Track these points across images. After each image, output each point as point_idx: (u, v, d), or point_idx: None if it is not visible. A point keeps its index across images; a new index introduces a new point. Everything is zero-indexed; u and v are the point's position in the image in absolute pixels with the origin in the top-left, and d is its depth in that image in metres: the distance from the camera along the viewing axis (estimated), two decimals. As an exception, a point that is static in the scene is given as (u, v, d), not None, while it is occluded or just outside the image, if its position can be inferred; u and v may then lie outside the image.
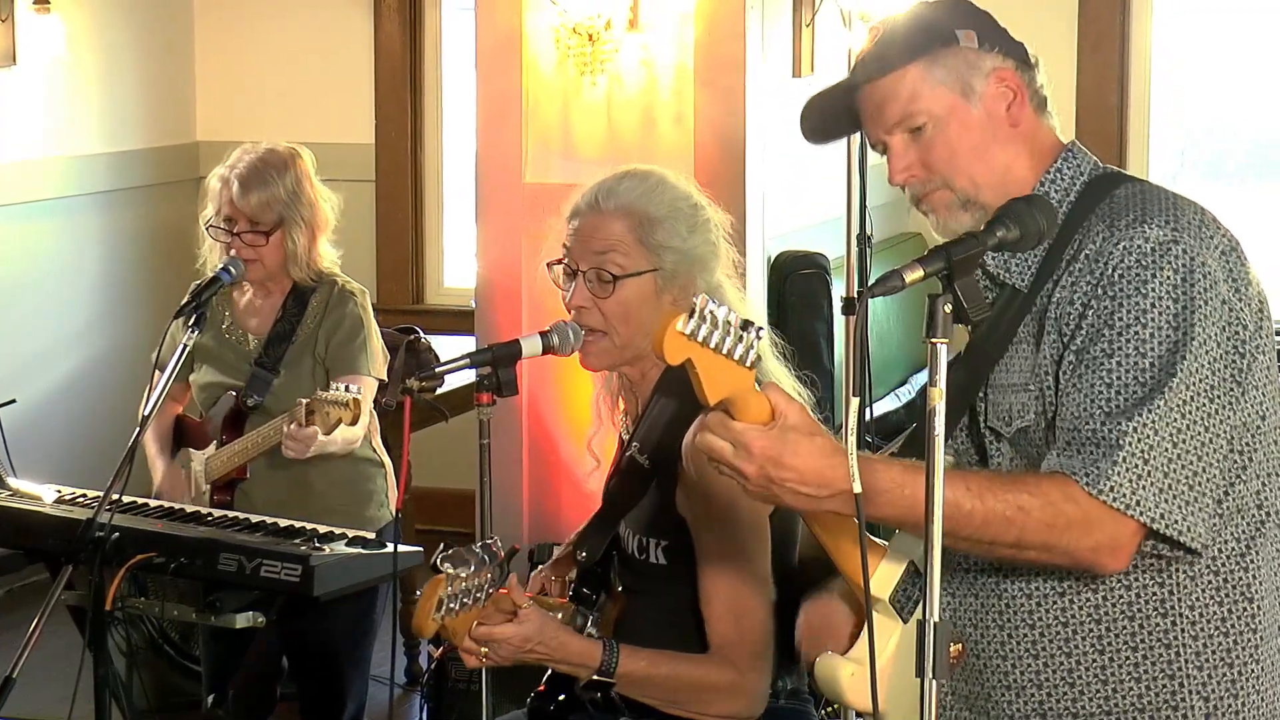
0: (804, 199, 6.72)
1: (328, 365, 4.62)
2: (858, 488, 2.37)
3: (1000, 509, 2.46)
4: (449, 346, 5.91)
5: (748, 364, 2.37)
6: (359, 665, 4.74)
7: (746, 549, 3.28)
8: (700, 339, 2.32)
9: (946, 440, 2.61)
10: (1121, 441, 2.46)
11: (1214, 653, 2.60)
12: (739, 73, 5.29)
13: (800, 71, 6.48)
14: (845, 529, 2.62)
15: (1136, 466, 2.46)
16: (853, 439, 2.37)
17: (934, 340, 2.32)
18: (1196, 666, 2.60)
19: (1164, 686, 2.60)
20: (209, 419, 4.71)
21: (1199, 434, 2.49)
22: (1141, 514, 2.46)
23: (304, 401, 4.30)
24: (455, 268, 7.96)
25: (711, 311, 2.33)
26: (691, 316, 2.32)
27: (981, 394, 2.69)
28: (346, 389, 4.24)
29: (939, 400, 2.30)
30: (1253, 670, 2.62)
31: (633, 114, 5.35)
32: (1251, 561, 2.62)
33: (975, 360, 2.69)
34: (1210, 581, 2.60)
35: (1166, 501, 2.47)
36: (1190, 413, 2.49)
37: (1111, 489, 2.45)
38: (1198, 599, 2.60)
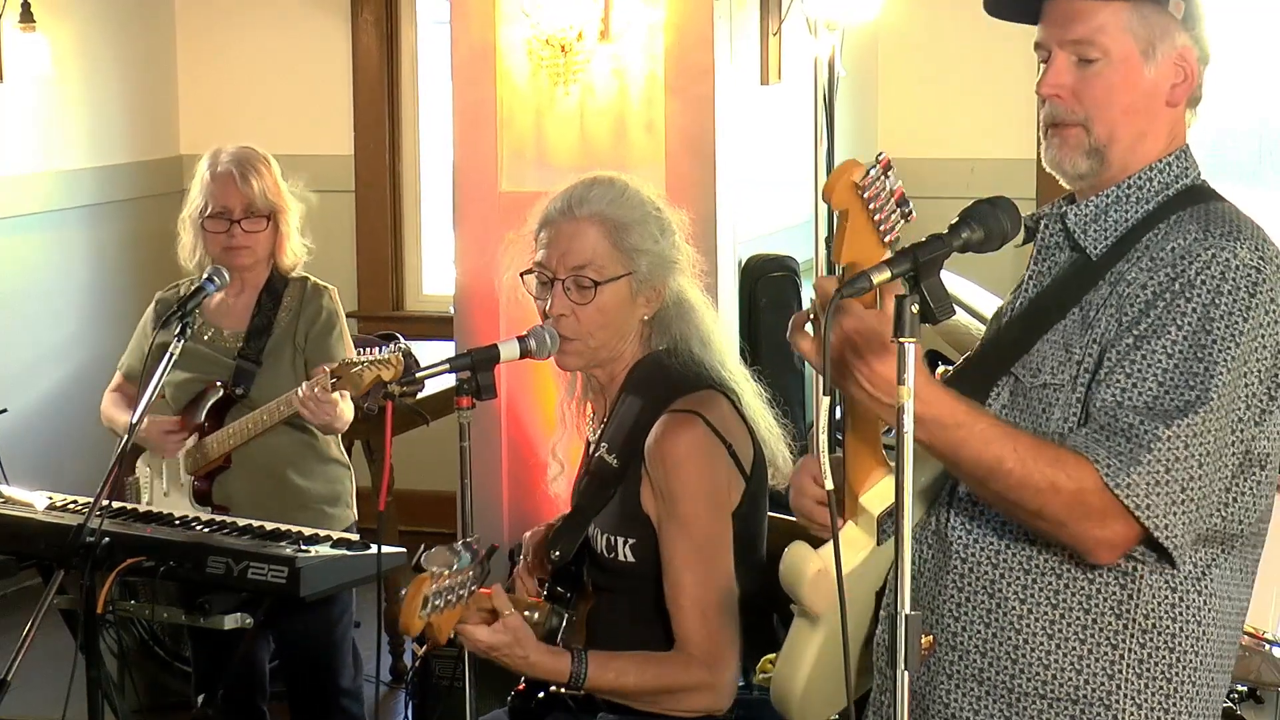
0: (773, 203, 6.77)
1: (307, 355, 4.73)
2: (829, 484, 2.40)
3: (1036, 479, 2.49)
4: (429, 352, 5.95)
5: (886, 241, 2.42)
6: (341, 646, 4.80)
7: (711, 545, 3.32)
8: (865, 196, 2.37)
9: (992, 388, 2.66)
10: (1152, 446, 2.48)
11: (1156, 665, 2.63)
12: (708, 81, 5.31)
13: (768, 79, 6.48)
14: (866, 435, 2.68)
15: (1158, 473, 2.49)
16: (823, 437, 2.39)
17: (902, 340, 2.34)
18: (1136, 674, 2.63)
19: (1101, 685, 2.63)
20: (182, 415, 4.76)
21: (1217, 458, 2.53)
22: (1149, 519, 2.49)
23: (328, 368, 4.38)
24: (434, 275, 7.98)
25: (889, 174, 2.38)
26: (869, 171, 2.36)
27: None
28: (381, 349, 4.32)
29: (908, 399, 2.33)
30: (1188, 691, 2.64)
31: (605, 123, 5.38)
32: (1205, 588, 2.64)
33: (1032, 319, 2.71)
34: (1166, 597, 2.62)
35: (1173, 514, 2.51)
36: (1220, 438, 2.52)
37: (1129, 485, 2.48)
38: (1153, 610, 2.62)
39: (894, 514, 2.66)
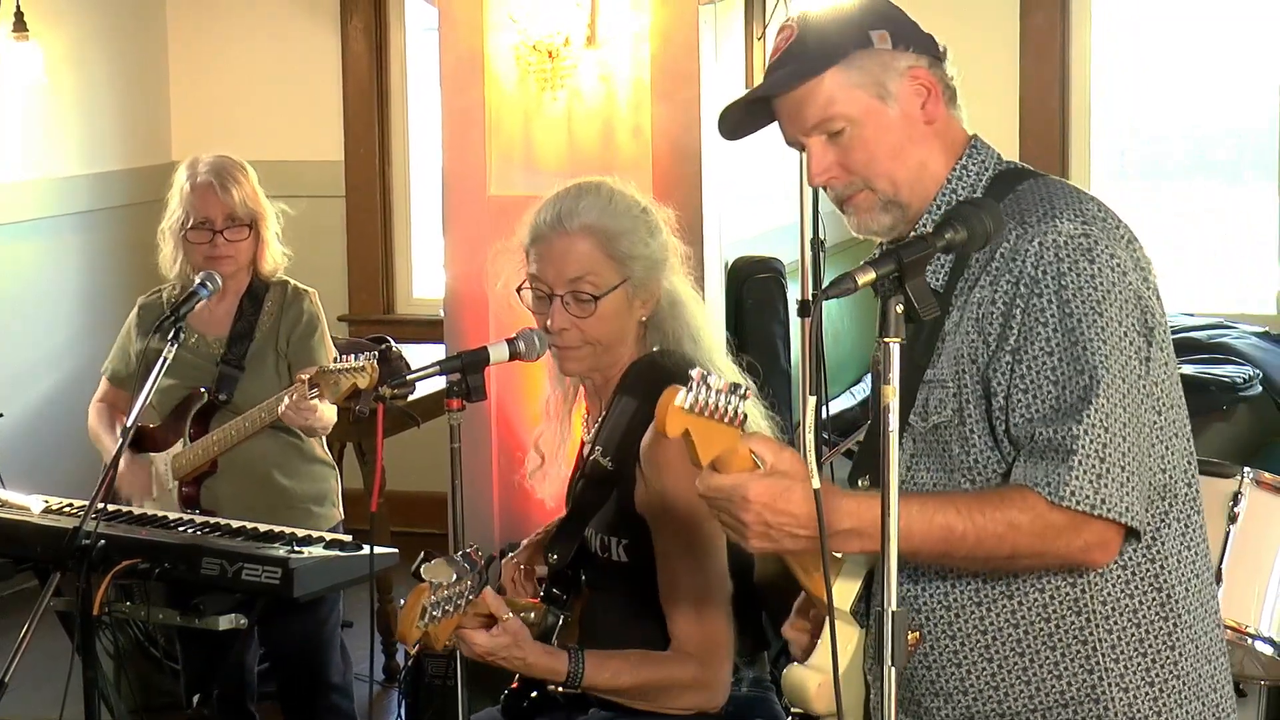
0: (759, 206, 6.79)
1: (289, 359, 4.76)
2: (816, 483, 2.40)
3: (992, 527, 2.48)
4: (419, 355, 5.99)
5: (736, 424, 2.42)
6: (331, 643, 4.84)
7: (704, 546, 3.33)
8: (696, 410, 2.37)
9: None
10: (1075, 446, 2.47)
11: (1129, 644, 2.62)
12: (694, 86, 5.35)
13: (753, 83, 6.51)
14: (806, 561, 2.65)
15: (1093, 467, 2.48)
16: (810, 436, 2.40)
17: (887, 340, 2.36)
18: (1113, 659, 2.62)
19: (1084, 681, 2.62)
20: (168, 421, 4.81)
21: (1136, 422, 2.52)
22: (1109, 513, 2.48)
23: (306, 376, 4.41)
24: (424, 278, 8.01)
25: (705, 383, 2.39)
26: (689, 391, 2.37)
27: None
28: (355, 357, 4.36)
29: (893, 397, 2.35)
30: (1168, 657, 2.64)
31: (592, 127, 5.42)
32: (1158, 552, 2.63)
33: (905, 366, 2.66)
34: (1120, 575, 2.61)
35: (1128, 495, 2.49)
36: (1128, 403, 2.51)
37: (1072, 494, 2.47)
38: (1109, 594, 2.61)
39: (865, 595, 2.72)
